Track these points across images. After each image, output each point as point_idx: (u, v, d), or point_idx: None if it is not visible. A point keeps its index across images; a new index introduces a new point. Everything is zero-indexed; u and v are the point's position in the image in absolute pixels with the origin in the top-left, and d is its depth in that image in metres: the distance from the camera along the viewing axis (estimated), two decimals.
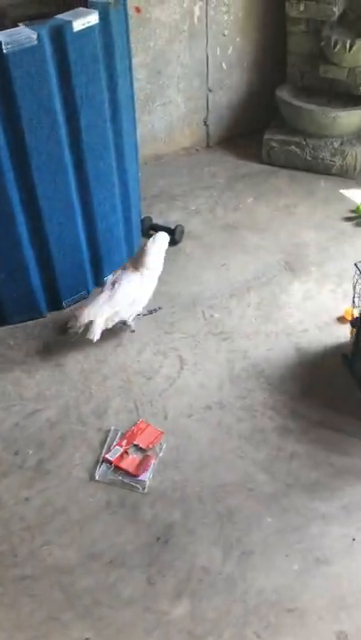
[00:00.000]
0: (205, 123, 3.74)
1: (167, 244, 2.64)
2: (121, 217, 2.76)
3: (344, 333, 2.52)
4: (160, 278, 2.85)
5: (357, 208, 3.20)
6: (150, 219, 3.16)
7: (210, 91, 3.62)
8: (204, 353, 2.51)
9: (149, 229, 3.13)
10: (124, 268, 2.55)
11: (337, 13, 3.17)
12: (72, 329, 2.43)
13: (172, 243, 3.05)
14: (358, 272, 2.27)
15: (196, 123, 3.72)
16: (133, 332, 2.61)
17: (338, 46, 3.16)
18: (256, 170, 3.59)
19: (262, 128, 3.61)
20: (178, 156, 3.76)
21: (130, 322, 2.56)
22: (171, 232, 3.06)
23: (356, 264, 2.29)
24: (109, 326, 2.47)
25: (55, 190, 2.37)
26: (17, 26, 2.54)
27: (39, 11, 2.78)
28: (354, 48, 3.14)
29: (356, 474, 2.05)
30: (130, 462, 2.10)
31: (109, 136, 2.46)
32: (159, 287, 2.80)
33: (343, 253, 2.96)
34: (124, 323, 2.55)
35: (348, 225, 3.15)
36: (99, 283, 2.81)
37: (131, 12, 3.10)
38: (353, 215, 3.20)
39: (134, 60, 3.23)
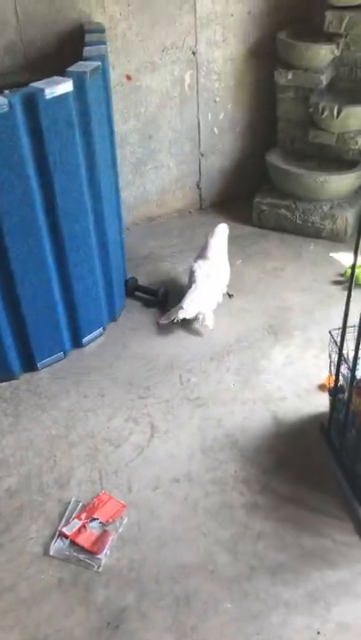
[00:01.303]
0: (198, 186, 3.77)
1: (226, 232, 3.03)
2: (100, 278, 2.74)
3: (324, 402, 2.42)
4: (139, 340, 2.82)
5: (345, 272, 3.15)
6: (136, 280, 3.14)
7: (202, 155, 3.66)
8: (177, 420, 2.42)
9: (134, 290, 3.11)
10: (204, 259, 2.92)
11: (325, 82, 3.21)
12: (167, 321, 2.81)
13: (156, 304, 3.03)
14: (333, 340, 2.20)
15: (188, 186, 3.74)
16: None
17: (326, 113, 3.18)
18: (247, 232, 3.58)
19: (254, 191, 3.62)
20: (170, 217, 3.78)
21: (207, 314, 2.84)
22: (155, 294, 3.04)
23: (330, 332, 2.21)
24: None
25: (28, 253, 2.36)
26: (2, 93, 2.63)
27: (29, 79, 2.87)
28: (341, 114, 3.15)
29: (325, 557, 1.92)
30: (87, 537, 1.99)
31: (86, 200, 2.47)
32: (137, 349, 2.77)
33: (328, 317, 2.89)
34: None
35: (336, 288, 3.09)
36: (76, 344, 2.78)
37: (122, 79, 3.20)
38: (341, 279, 3.14)
39: (126, 126, 3.32)
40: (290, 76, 3.24)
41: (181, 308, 2.77)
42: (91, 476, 2.21)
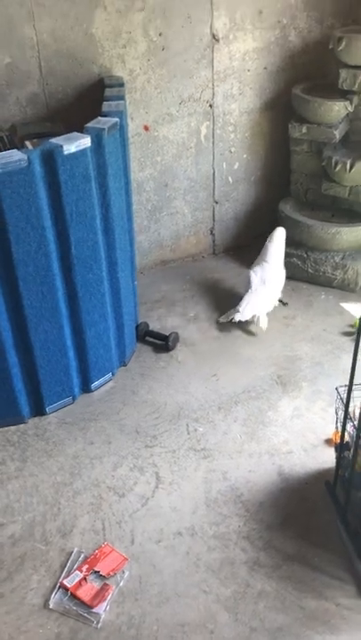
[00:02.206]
0: (212, 232, 3.83)
1: (284, 236, 3.23)
2: (112, 324, 2.78)
3: (330, 457, 2.41)
4: (148, 386, 2.84)
5: (355, 323, 3.16)
6: (147, 324, 3.17)
7: (216, 202, 3.73)
8: (183, 471, 2.42)
9: (145, 336, 3.14)
10: (260, 266, 3.19)
11: (338, 136, 3.27)
12: (227, 320, 3.13)
13: (165, 349, 3.06)
14: (339, 397, 2.20)
15: (202, 232, 3.81)
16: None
17: (338, 166, 3.24)
18: None
19: (266, 239, 3.66)
20: (184, 262, 3.83)
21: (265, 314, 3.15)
22: (165, 339, 3.07)
23: (337, 388, 2.22)
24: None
25: (42, 300, 2.41)
26: (23, 143, 2.72)
27: (50, 129, 2.97)
28: (354, 168, 3.21)
29: (326, 621, 1.89)
30: (87, 591, 1.98)
31: (101, 248, 2.52)
32: (145, 395, 2.79)
33: (337, 369, 2.89)
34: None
35: (346, 340, 3.10)
36: (85, 389, 2.80)
37: (140, 129, 3.29)
38: (351, 330, 3.16)
39: (143, 174, 3.41)
40: (304, 129, 3.32)
41: (238, 311, 3.07)
42: (94, 525, 2.21)
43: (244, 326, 3.19)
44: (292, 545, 2.12)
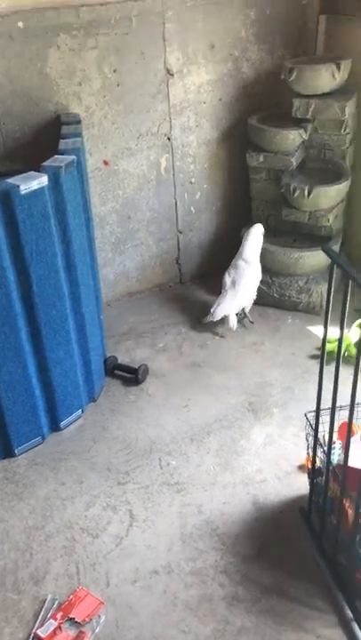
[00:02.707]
0: (177, 261, 3.85)
1: (261, 232, 3.33)
2: (79, 360, 2.75)
3: (304, 484, 2.40)
4: (118, 421, 2.81)
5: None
6: (115, 358, 3.15)
7: (180, 232, 3.75)
8: (157, 507, 2.38)
9: (114, 369, 3.11)
10: (234, 267, 3.33)
11: (295, 164, 3.33)
12: (205, 321, 3.36)
13: (135, 382, 3.03)
14: (309, 423, 2.21)
15: (168, 262, 3.82)
16: (253, 322, 3.43)
17: (297, 193, 3.29)
18: None
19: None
20: (151, 292, 3.83)
21: (248, 310, 3.43)
22: (134, 372, 3.05)
23: (306, 414, 2.23)
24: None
25: (4, 340, 2.38)
26: None
27: (8, 169, 2.97)
28: (312, 194, 3.26)
29: None
30: None
31: (63, 285, 2.51)
32: (116, 431, 2.75)
33: (307, 394, 2.90)
34: (243, 312, 3.42)
35: (314, 363, 3.12)
36: (55, 428, 2.76)
37: (100, 164, 3.31)
38: (319, 353, 3.18)
39: (105, 207, 3.42)
40: (261, 158, 3.37)
41: (210, 312, 3.32)
42: (68, 569, 2.16)
43: (212, 328, 3.40)
44: (270, 576, 2.10)
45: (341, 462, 2.10)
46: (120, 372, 3.10)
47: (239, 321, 3.43)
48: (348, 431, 1.85)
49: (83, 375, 2.81)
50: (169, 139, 3.44)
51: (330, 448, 2.02)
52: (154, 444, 2.68)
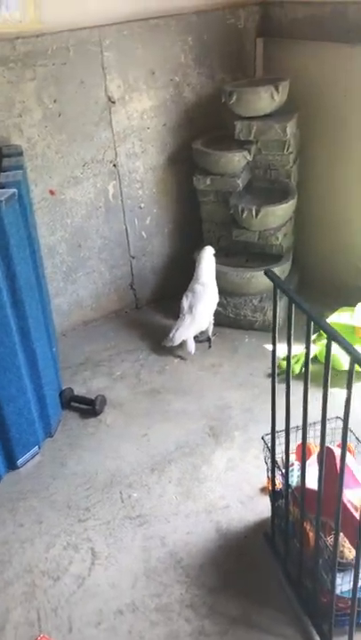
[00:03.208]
0: (132, 287, 3.82)
1: (212, 253, 3.36)
2: (33, 396, 2.68)
3: (267, 507, 2.37)
4: (77, 456, 2.75)
5: (279, 364, 3.18)
6: (71, 390, 3.09)
7: (133, 258, 3.73)
8: (119, 542, 2.33)
9: (70, 402, 3.05)
10: (191, 290, 3.34)
11: (241, 185, 3.36)
12: (166, 345, 3.35)
13: (93, 414, 2.98)
14: (266, 446, 2.19)
15: (122, 288, 3.79)
16: (210, 347, 3.43)
17: (245, 213, 3.32)
18: None
19: (187, 287, 3.70)
20: (107, 320, 3.79)
21: (211, 332, 3.45)
22: (91, 403, 2.99)
23: (263, 437, 2.21)
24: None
25: None
26: None
27: None
28: (260, 214, 3.29)
29: None
30: None
31: (10, 321, 2.45)
32: (75, 466, 2.69)
33: (267, 414, 2.84)
34: (207, 335, 3.45)
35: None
36: (11, 466, 2.68)
37: (46, 194, 3.28)
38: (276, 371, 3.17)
39: (54, 237, 3.38)
40: (208, 181, 3.39)
41: (168, 337, 3.32)
42: (28, 617, 2.08)
43: (175, 352, 3.39)
44: (237, 606, 2.06)
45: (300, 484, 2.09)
46: (77, 404, 3.04)
47: (200, 341, 3.43)
48: (302, 453, 1.84)
49: (38, 411, 2.74)
50: (115, 165, 3.43)
51: (287, 471, 2.00)
52: (114, 476, 2.63)
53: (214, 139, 3.51)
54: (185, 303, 3.36)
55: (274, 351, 1.84)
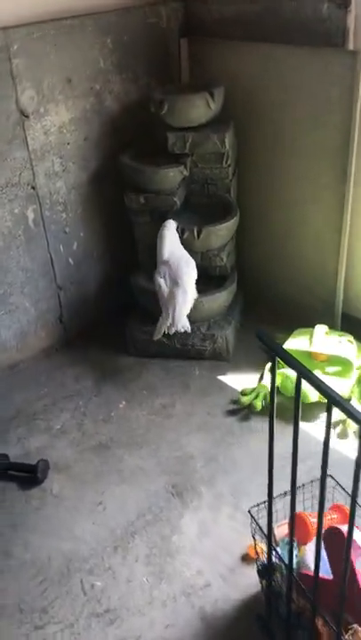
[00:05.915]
0: (61, 320, 3.40)
1: (173, 227, 2.92)
2: None
3: (252, 579, 2.08)
4: (23, 540, 2.34)
5: (239, 399, 2.90)
6: (6, 456, 2.65)
7: (60, 288, 3.31)
8: None
9: (6, 470, 2.61)
10: (164, 265, 2.87)
11: (179, 203, 3.03)
12: (169, 333, 2.89)
13: (35, 482, 2.56)
14: (254, 520, 1.89)
15: (50, 322, 3.36)
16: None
17: (186, 234, 2.99)
18: (124, 364, 3.25)
19: (122, 316, 3.34)
20: (35, 361, 3.34)
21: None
22: (32, 470, 2.57)
23: (249, 511, 1.91)
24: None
25: None
26: None
27: None
28: (202, 235, 2.98)
29: None
30: None
31: None
32: (23, 554, 2.28)
33: (234, 461, 2.60)
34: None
35: (233, 420, 2.82)
36: None
37: None
38: (235, 407, 2.89)
39: None
40: (142, 200, 3.03)
41: (172, 323, 2.83)
42: None
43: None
44: None
45: (302, 568, 1.81)
46: (15, 473, 2.61)
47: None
48: (318, 532, 1.55)
49: None
50: (33, 188, 2.99)
51: (291, 556, 1.70)
52: (71, 562, 2.24)
53: (143, 151, 3.14)
54: (161, 281, 2.89)
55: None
